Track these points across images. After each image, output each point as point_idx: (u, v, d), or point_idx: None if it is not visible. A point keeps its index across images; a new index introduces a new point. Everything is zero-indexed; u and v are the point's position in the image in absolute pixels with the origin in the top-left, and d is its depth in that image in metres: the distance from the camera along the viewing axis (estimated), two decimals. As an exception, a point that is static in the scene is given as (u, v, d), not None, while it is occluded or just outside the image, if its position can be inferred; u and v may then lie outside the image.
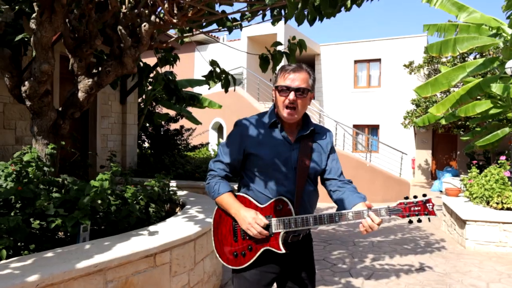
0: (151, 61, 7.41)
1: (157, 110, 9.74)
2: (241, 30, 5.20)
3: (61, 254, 2.55)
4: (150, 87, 9.16)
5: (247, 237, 1.91)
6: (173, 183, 6.87)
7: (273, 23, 4.95)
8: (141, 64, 6.59)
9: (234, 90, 5.61)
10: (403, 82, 16.50)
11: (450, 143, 16.74)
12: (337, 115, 17.47)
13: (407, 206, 1.77)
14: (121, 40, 3.82)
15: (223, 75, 5.04)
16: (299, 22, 4.62)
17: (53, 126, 3.85)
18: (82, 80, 3.85)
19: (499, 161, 6.83)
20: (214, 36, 17.36)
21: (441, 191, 13.37)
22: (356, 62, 18.15)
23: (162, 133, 9.35)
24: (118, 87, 7.68)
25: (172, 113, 10.11)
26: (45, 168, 3.44)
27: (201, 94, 9.26)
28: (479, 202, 6.64)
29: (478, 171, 7.17)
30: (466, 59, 12.86)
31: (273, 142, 1.97)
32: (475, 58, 12.12)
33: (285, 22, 4.94)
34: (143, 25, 3.76)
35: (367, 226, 1.75)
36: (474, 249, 5.97)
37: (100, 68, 3.90)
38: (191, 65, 16.82)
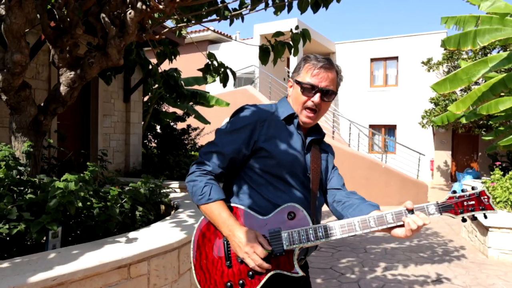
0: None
1: (164, 109, 9.48)
2: (242, 21, 4.84)
3: (18, 264, 2.24)
4: (156, 85, 8.92)
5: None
6: (175, 184, 6.59)
7: (276, 13, 4.60)
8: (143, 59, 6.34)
9: (240, 84, 5.26)
10: (421, 81, 15.89)
11: (471, 144, 16.02)
12: (353, 114, 16.97)
13: (459, 201, 1.40)
14: (105, 29, 3.52)
15: (221, 69, 4.70)
16: (302, 10, 4.27)
17: (34, 123, 3.58)
18: (64, 73, 3.57)
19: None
20: (226, 35, 17.09)
21: (461, 194, 12.75)
22: (372, 60, 17.63)
23: (168, 132, 9.08)
24: (117, 83, 7.46)
25: (179, 112, 9.84)
26: (20, 168, 3.16)
27: (208, 92, 8.96)
28: (503, 207, 6.13)
29: (501, 173, 6.65)
30: (488, 54, 12.22)
31: (289, 140, 1.58)
32: (498, 53, 11.49)
33: (288, 11, 4.57)
34: (128, 12, 3.45)
35: (414, 226, 1.35)
36: (497, 258, 5.47)
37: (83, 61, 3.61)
38: (202, 65, 16.55)
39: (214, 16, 4.70)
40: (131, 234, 2.96)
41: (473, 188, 1.41)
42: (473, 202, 1.40)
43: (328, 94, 1.56)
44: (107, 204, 3.19)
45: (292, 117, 1.61)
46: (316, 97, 1.54)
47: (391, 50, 17.13)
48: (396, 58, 17.18)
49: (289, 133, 1.59)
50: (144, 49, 6.86)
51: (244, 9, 4.41)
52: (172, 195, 4.82)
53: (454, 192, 1.41)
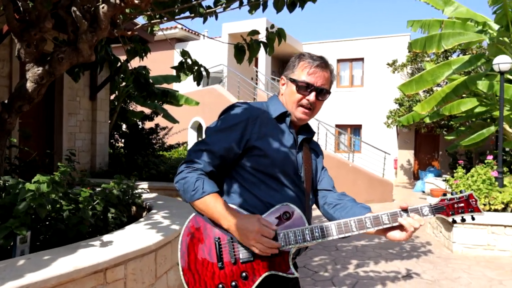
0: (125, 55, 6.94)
1: (131, 108, 9.24)
2: (216, 18, 4.79)
3: (-16, 273, 2.10)
4: (123, 83, 8.68)
5: (240, 260, 1.40)
6: (144, 185, 6.42)
7: (250, 11, 4.56)
8: (112, 57, 6.13)
9: (208, 83, 5.19)
10: (386, 82, 16.34)
11: (432, 143, 16.65)
12: (320, 114, 17.13)
13: (450, 203, 1.45)
14: (76, 23, 3.36)
15: (195, 67, 4.62)
16: (278, 9, 4.26)
17: (-3, 121, 3.37)
18: (31, 69, 3.38)
19: (486, 161, 6.59)
20: (195, 33, 16.91)
21: (423, 192, 13.22)
22: (339, 61, 17.94)
23: (136, 131, 8.86)
24: (83, 80, 7.20)
25: (147, 111, 9.63)
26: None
27: (177, 91, 8.81)
28: (465, 203, 6.38)
29: (464, 171, 6.92)
30: (449, 57, 12.72)
31: (282, 138, 1.55)
32: (459, 56, 11.99)
33: (263, 10, 4.55)
34: (101, 6, 3.32)
35: (412, 229, 1.39)
36: (461, 253, 5.70)
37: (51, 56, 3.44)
38: (170, 63, 16.27)
39: (187, 13, 4.62)
40: (106, 237, 2.85)
41: (461, 192, 1.47)
42: (462, 205, 1.45)
43: (323, 93, 1.55)
44: (79, 206, 3.06)
45: (284, 115, 1.57)
46: (312, 96, 1.53)
47: (357, 52, 17.50)
48: (361, 59, 17.57)
49: (281, 131, 1.56)
50: (112, 46, 6.65)
51: (219, 7, 4.35)
52: (143, 196, 4.70)
53: (445, 194, 1.46)
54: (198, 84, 4.62)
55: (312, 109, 1.57)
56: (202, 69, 4.59)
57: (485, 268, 5.05)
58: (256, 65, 16.63)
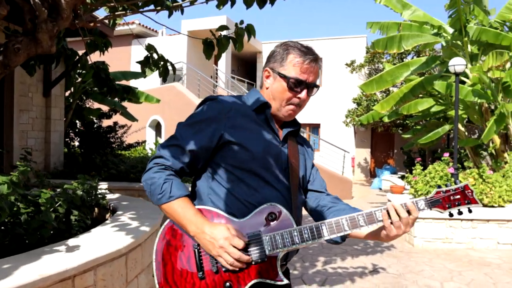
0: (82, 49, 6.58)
1: (87, 105, 8.83)
2: (182, 13, 4.64)
3: None
4: (79, 79, 8.27)
5: (223, 268, 1.27)
6: (104, 185, 6.14)
7: (218, 6, 4.46)
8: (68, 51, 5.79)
9: (174, 79, 5.02)
10: (345, 81, 16.72)
11: (388, 142, 17.25)
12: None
13: (446, 196, 1.36)
14: (35, 11, 3.12)
15: (161, 62, 4.45)
16: (248, 4, 4.19)
17: None
18: (-17, 60, 3.10)
19: (442, 158, 6.87)
20: (152, 29, 16.48)
21: (380, 189, 13.65)
22: (298, 60, 18.14)
23: (93, 130, 8.46)
24: (36, 75, 6.78)
25: (104, 108, 9.23)
26: None
27: (137, 88, 8.51)
28: (424, 199, 6.62)
29: (421, 168, 7.18)
30: (404, 59, 13.20)
31: (261, 131, 1.42)
32: (412, 58, 12.48)
33: (232, 6, 4.46)
34: (62, -6, 3.10)
35: (397, 222, 1.30)
36: (422, 246, 5.90)
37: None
38: (127, 59, 15.78)
39: (152, 7, 4.44)
40: (71, 242, 2.66)
41: (455, 183, 1.44)
42: (458, 197, 1.37)
43: (313, 88, 1.44)
44: (38, 209, 2.84)
45: (264, 107, 1.44)
46: (303, 94, 1.41)
47: (316, 51, 17.77)
48: (320, 59, 17.85)
49: (260, 123, 1.43)
50: (67, 40, 6.30)
51: (186, 0, 4.21)
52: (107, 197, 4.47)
53: (439, 186, 1.39)
54: (164, 80, 4.47)
55: (301, 105, 1.46)
56: (168, 64, 4.42)
57: (445, 260, 5.25)
58: (216, 63, 16.47)
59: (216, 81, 15.39)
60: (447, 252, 5.64)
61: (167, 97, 13.01)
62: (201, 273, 1.28)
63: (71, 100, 8.17)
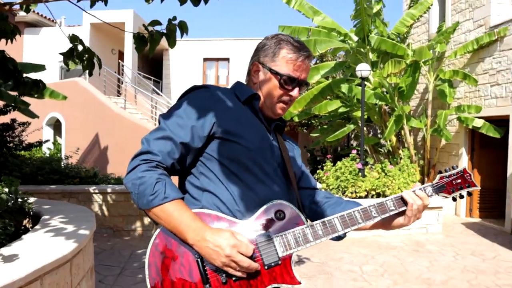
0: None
1: (-23, 100, 7.76)
2: (105, 4, 4.38)
3: None
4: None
5: (233, 278, 1.14)
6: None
7: (148, 1, 4.32)
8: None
9: (99, 74, 4.74)
10: (252, 82, 17.18)
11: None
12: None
13: (449, 181, 1.36)
14: None
15: (86, 55, 4.16)
16: (182, 1, 4.14)
17: None
18: None
19: (350, 155, 7.51)
20: (49, 19, 15.09)
21: (287, 185, 14.33)
22: (205, 60, 18.15)
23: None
24: None
25: (-2, 103, 8.21)
26: None
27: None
28: (335, 193, 7.17)
29: (332, 164, 7.76)
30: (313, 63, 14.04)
31: (253, 121, 1.32)
32: (315, 63, 13.33)
33: (161, 0, 4.36)
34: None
35: (416, 211, 1.28)
36: (336, 236, 6.39)
37: None
38: (19, 51, 14.20)
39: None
40: (4, 251, 2.39)
41: (453, 168, 1.40)
42: (459, 181, 1.37)
43: (304, 85, 1.38)
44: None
45: (252, 98, 1.35)
46: (295, 92, 1.35)
47: (223, 52, 17.95)
48: (227, 59, 18.10)
49: (251, 114, 1.34)
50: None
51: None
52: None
53: (440, 172, 1.42)
54: (90, 75, 4.18)
55: (291, 102, 1.40)
56: (95, 58, 4.15)
57: (359, 247, 5.78)
58: (122, 59, 15.69)
59: (122, 77, 14.65)
60: (360, 240, 6.21)
61: (68, 93, 11.88)
62: (207, 285, 1.13)
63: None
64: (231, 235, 1.12)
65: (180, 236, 1.15)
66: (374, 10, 8.39)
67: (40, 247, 2.50)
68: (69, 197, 5.73)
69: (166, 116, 1.27)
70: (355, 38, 8.49)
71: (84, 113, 11.77)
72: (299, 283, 1.19)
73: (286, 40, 1.35)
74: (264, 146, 1.30)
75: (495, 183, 8.00)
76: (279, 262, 1.18)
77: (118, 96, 14.03)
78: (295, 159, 1.49)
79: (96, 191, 5.85)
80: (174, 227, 1.14)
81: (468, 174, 1.38)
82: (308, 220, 1.29)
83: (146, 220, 6.09)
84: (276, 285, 1.17)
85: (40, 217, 3.46)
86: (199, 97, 1.29)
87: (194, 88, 1.33)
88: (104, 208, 5.87)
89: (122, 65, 14.44)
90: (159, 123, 1.28)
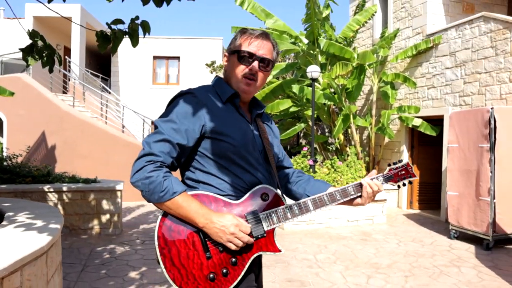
0: None
1: None
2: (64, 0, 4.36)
3: None
4: None
5: (226, 248, 1.40)
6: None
7: (109, -1, 4.35)
8: None
9: (52, 71, 4.67)
10: (203, 81, 17.22)
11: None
12: (136, 110, 16.90)
13: (396, 172, 1.68)
14: None
15: (46, 51, 4.13)
16: (144, 1, 4.22)
17: None
18: None
19: (302, 152, 7.90)
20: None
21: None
22: (155, 58, 17.93)
23: None
24: None
25: None
26: None
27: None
28: (289, 188, 7.52)
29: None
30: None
31: (236, 119, 1.54)
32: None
33: (122, 0, 4.41)
34: None
35: (370, 194, 1.59)
36: (291, 229, 6.73)
37: None
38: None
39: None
40: (-21, 245, 2.41)
41: (399, 161, 1.73)
42: (403, 172, 1.68)
43: (266, 63, 1.54)
44: None
45: (233, 97, 1.55)
46: (255, 65, 1.51)
47: (173, 50, 17.83)
48: (178, 58, 18.00)
49: (233, 112, 1.54)
50: None
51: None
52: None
53: (389, 164, 1.72)
54: (51, 71, 4.15)
55: (256, 79, 1.55)
56: (56, 55, 4.13)
57: (311, 238, 6.15)
58: (68, 55, 15.12)
59: (69, 73, 14.13)
60: (312, 232, 6.58)
61: (11, 89, 11.37)
62: (208, 253, 1.38)
63: None
64: (233, 217, 1.38)
65: (190, 221, 1.38)
66: (324, 15, 8.86)
67: (15, 241, 2.53)
68: (21, 196, 5.57)
69: (161, 121, 1.46)
70: (306, 41, 8.91)
71: (29, 110, 11.24)
72: (280, 250, 1.49)
73: (245, 30, 1.59)
74: (246, 140, 1.52)
75: (432, 177, 8.77)
76: (265, 235, 1.45)
77: (64, 93, 13.53)
78: (274, 142, 1.72)
79: (51, 189, 5.73)
80: (184, 215, 1.38)
81: (410, 167, 1.71)
82: (287, 200, 1.58)
83: (104, 218, 6.06)
84: (261, 252, 1.46)
85: (3, 214, 3.43)
86: (189, 102, 1.48)
87: (181, 94, 1.51)
88: (59, 207, 5.76)
89: (69, 61, 13.94)
90: (156, 127, 1.48)
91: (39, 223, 3.05)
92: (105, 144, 10.33)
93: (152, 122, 16.44)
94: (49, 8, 3.87)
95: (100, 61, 19.29)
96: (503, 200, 5.61)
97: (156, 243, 1.37)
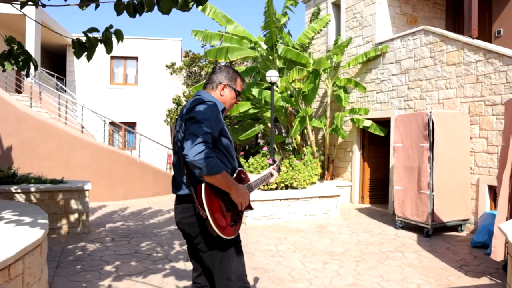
0: None
1: None
2: (36, 7, 4.53)
3: None
4: None
5: (232, 207, 2.19)
6: None
7: (81, 7, 4.58)
8: None
9: (34, 75, 4.81)
10: (162, 82, 17.30)
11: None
12: (94, 110, 16.68)
13: (274, 165, 2.76)
14: None
15: (22, 57, 4.30)
16: (119, 12, 4.47)
17: None
18: None
19: (262, 151, 8.36)
20: None
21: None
22: (112, 58, 17.75)
23: None
24: None
25: None
26: None
27: None
28: (250, 186, 7.95)
29: (244, 160, 8.54)
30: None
31: (225, 125, 2.33)
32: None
33: (96, 8, 4.64)
34: None
35: (273, 178, 2.67)
36: (253, 224, 7.18)
37: None
38: None
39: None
40: (-21, 238, 2.64)
41: (274, 161, 2.68)
42: (277, 167, 2.76)
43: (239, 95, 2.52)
44: None
45: (223, 110, 2.35)
46: (239, 99, 2.52)
47: (131, 50, 17.74)
48: (136, 58, 17.93)
49: (223, 119, 2.36)
50: None
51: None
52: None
53: (274, 161, 2.66)
54: (27, 76, 4.31)
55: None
56: (33, 60, 4.30)
57: (272, 232, 6.62)
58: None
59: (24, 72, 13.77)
60: (272, 226, 7.07)
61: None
62: (228, 208, 2.16)
63: None
64: (247, 191, 2.26)
65: (226, 188, 2.12)
66: (281, 22, 9.38)
67: (13, 234, 2.78)
68: (-12, 197, 5.62)
69: (202, 120, 2.08)
70: (265, 47, 9.39)
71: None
72: (252, 208, 2.39)
73: (238, 74, 2.49)
74: (231, 139, 2.35)
75: (381, 174, 9.56)
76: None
77: (19, 92, 13.18)
78: None
79: (19, 190, 5.81)
80: (226, 184, 2.10)
81: (279, 164, 2.93)
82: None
83: (72, 218, 6.20)
84: (248, 210, 2.34)
85: (-14, 213, 3.60)
86: (214, 109, 2.18)
87: (205, 101, 2.20)
88: (27, 207, 5.85)
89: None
90: (199, 122, 2.07)
91: (27, 219, 3.29)
92: (66, 145, 10.28)
93: (111, 123, 16.38)
94: (11, 4, 4.07)
95: (55, 60, 18.84)
96: (440, 193, 6.38)
97: (204, 203, 2.02)
